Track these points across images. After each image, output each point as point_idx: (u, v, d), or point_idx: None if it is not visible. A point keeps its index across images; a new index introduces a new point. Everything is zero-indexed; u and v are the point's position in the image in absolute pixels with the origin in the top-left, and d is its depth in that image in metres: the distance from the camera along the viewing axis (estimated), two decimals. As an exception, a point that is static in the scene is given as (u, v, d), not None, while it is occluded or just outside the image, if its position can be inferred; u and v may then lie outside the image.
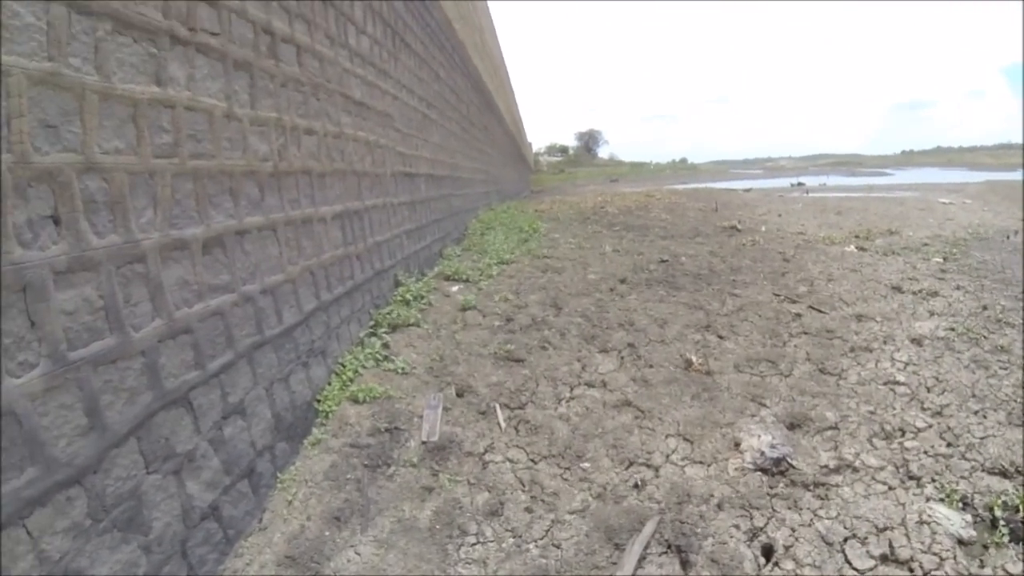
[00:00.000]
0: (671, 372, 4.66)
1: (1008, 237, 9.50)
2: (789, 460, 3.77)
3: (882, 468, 3.76)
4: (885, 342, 5.44)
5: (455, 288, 6.50)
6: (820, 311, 6.29)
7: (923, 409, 4.34)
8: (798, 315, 6.20)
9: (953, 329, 5.62)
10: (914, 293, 6.74)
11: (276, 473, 3.13)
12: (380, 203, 5.56)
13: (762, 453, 3.82)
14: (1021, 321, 5.87)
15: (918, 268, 7.87)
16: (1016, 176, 23.55)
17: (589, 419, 3.93)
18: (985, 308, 6.22)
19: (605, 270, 7.58)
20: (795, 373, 4.89)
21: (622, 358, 4.95)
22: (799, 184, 25.83)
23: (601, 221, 11.36)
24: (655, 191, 18.78)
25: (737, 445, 3.96)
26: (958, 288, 6.93)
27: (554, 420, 3.91)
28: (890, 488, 3.59)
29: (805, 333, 5.74)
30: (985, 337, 5.45)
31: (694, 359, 4.87)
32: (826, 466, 3.77)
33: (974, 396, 4.48)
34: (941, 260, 8.23)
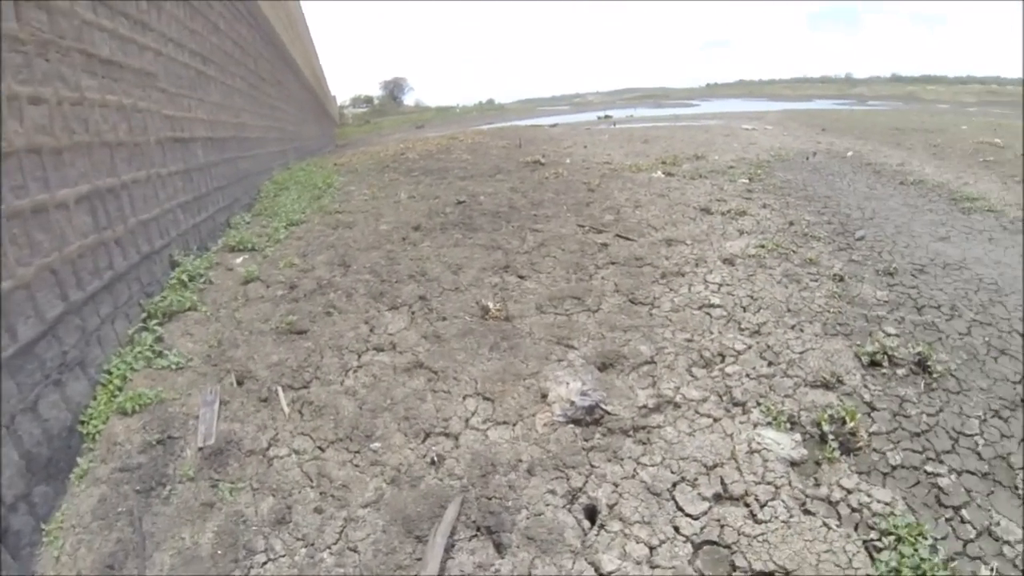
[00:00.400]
0: (466, 323, 5.44)
1: (807, 158, 12.63)
2: (603, 406, 4.24)
3: (704, 399, 4.51)
4: (697, 265, 6.62)
5: (239, 260, 7.54)
6: (628, 239, 7.36)
7: (741, 330, 5.40)
8: (605, 245, 7.18)
9: (763, 246, 7.19)
10: (723, 214, 8.42)
11: (40, 525, 3.40)
12: (143, 176, 6.24)
13: (572, 403, 4.22)
14: (827, 233, 7.90)
15: (725, 190, 9.89)
16: (810, 105, 32.50)
17: (377, 390, 4.56)
18: (792, 224, 8.11)
19: (399, 219, 8.80)
20: (604, 307, 5.66)
21: (413, 313, 5.78)
22: (606, 117, 30.84)
23: (399, 168, 12.92)
24: (459, 133, 20.72)
25: (544, 397, 4.33)
26: (765, 206, 8.92)
27: (340, 397, 4.50)
28: (715, 420, 4.32)
29: (613, 263, 6.68)
30: (794, 251, 7.11)
31: (491, 305, 5.68)
32: (645, 406, 4.35)
33: (789, 311, 5.76)
34: (747, 181, 10.52)
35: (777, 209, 8.77)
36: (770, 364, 4.93)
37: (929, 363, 4.61)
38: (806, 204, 9.08)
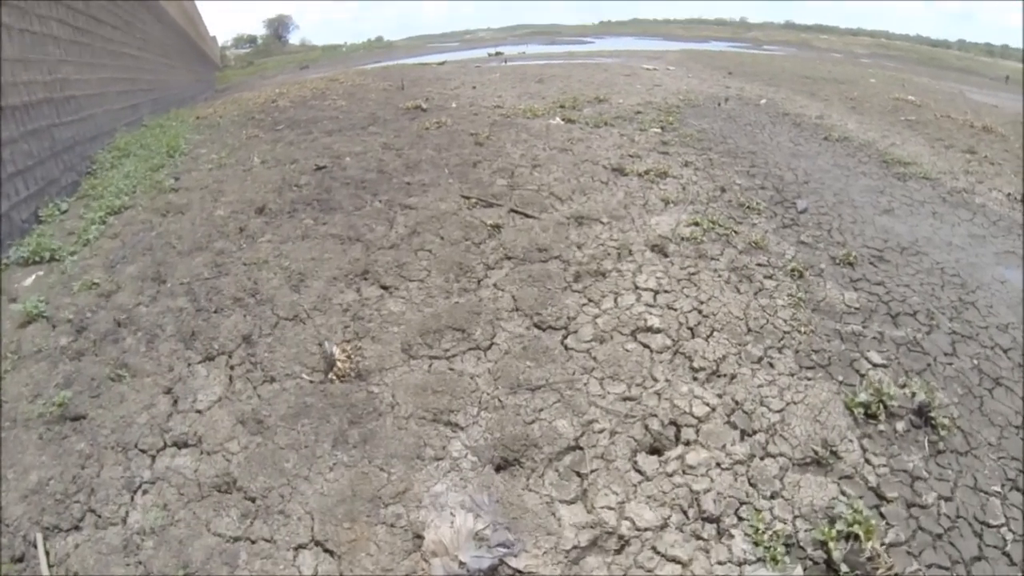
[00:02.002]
0: (302, 390, 3.87)
1: (719, 104, 11.18)
2: (510, 562, 2.45)
3: (664, 524, 2.83)
4: (620, 257, 4.85)
5: (29, 281, 5.55)
6: (527, 215, 5.46)
7: (695, 373, 3.72)
8: (496, 228, 5.29)
9: (697, 224, 5.54)
10: (640, 175, 6.71)
11: None
12: None
13: (462, 563, 2.39)
14: (764, 202, 6.40)
15: (637, 141, 8.20)
16: (707, 47, 31.69)
17: (168, 545, 2.96)
18: (723, 190, 6.53)
19: (242, 197, 6.83)
20: (499, 341, 3.88)
21: (232, 368, 4.18)
22: (497, 53, 29.28)
23: (264, 121, 10.84)
24: (341, 75, 18.72)
25: (419, 540, 2.52)
26: (687, 165, 7.30)
27: (112, 556, 2.95)
28: (684, 566, 2.69)
29: (508, 257, 4.81)
30: (735, 232, 5.51)
31: (338, 352, 3.96)
32: (576, 547, 2.61)
33: (750, 331, 4.16)
34: (659, 130, 8.87)
35: (702, 169, 7.20)
36: (744, 436, 3.36)
37: (931, 412, 3.62)
38: (732, 162, 7.58)
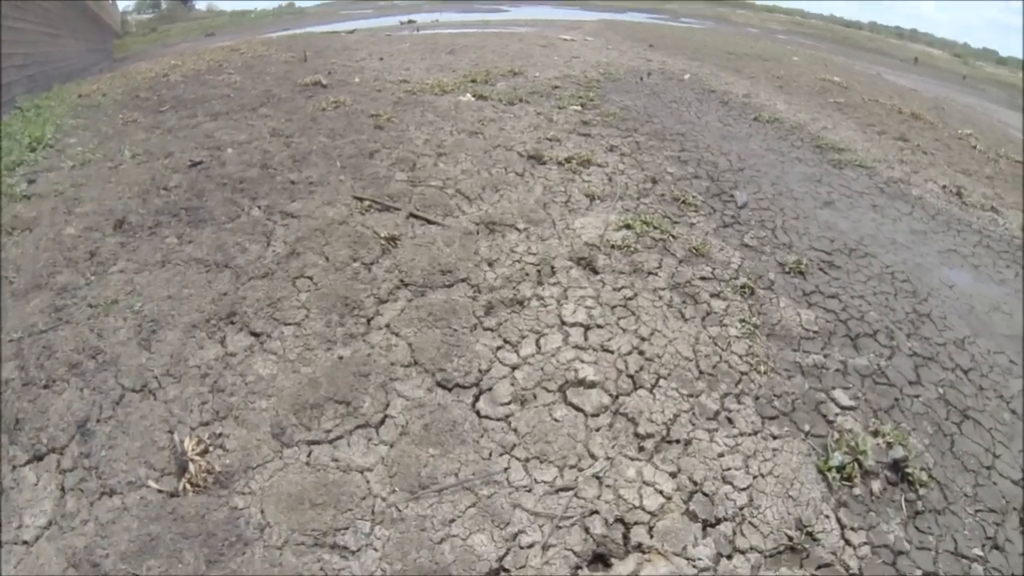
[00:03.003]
0: (147, 510, 2.76)
1: (641, 79, 10.33)
2: None
3: None
4: (541, 277, 3.88)
5: None
6: (429, 221, 4.42)
7: (641, 446, 2.90)
8: (392, 241, 4.24)
9: (629, 226, 4.67)
10: (560, 164, 5.77)
11: None
12: None
13: None
14: (700, 195, 5.62)
15: (555, 121, 7.26)
16: (625, 17, 31.00)
17: None
18: (655, 181, 5.70)
19: (102, 205, 5.41)
20: (393, 415, 2.94)
21: (63, 475, 2.96)
22: (409, 21, 27.89)
23: (150, 100, 9.24)
24: (245, 43, 16.53)
25: None
26: (612, 149, 6.43)
27: None
28: None
29: (405, 284, 3.78)
30: (672, 236, 4.68)
31: (191, 446, 2.92)
32: None
33: (702, 375, 3.35)
34: (579, 108, 7.96)
35: (628, 154, 6.37)
36: (707, 529, 2.60)
37: (908, 467, 3.20)
38: (660, 145, 6.79)
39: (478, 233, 4.35)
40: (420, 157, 5.65)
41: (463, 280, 3.86)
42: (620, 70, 10.74)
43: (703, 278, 4.29)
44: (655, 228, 4.73)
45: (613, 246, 4.37)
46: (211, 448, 2.87)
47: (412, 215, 4.53)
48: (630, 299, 3.83)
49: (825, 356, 3.84)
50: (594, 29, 19.85)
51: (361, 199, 4.79)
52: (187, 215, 4.83)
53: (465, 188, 5.00)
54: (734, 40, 21.24)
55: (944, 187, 7.48)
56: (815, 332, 4.04)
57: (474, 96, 8.00)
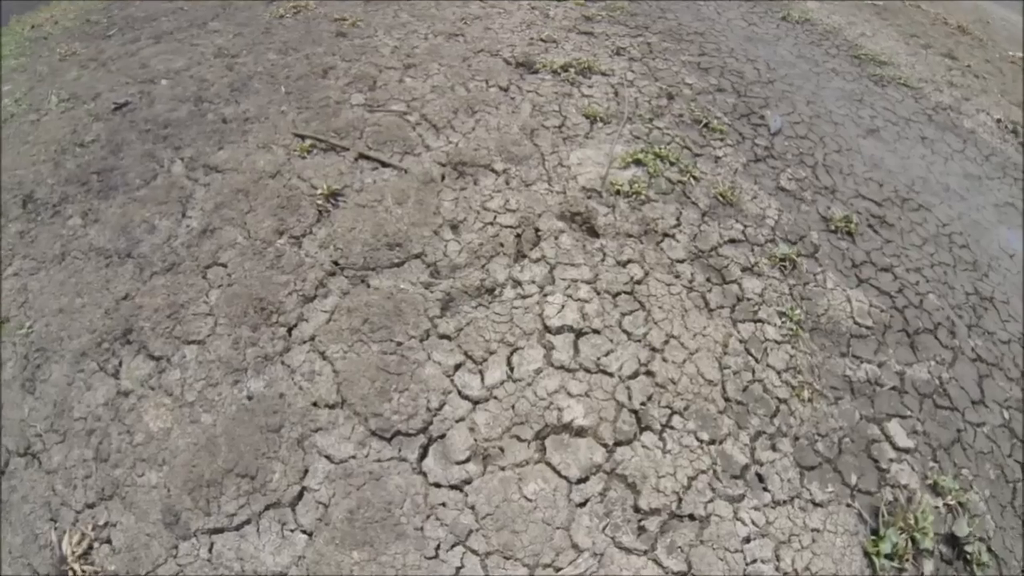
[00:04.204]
0: None
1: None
2: None
3: None
4: (520, 247, 2.70)
5: None
6: (381, 163, 3.21)
7: (641, 526, 1.88)
8: (332, 199, 3.02)
9: (640, 162, 3.45)
10: (555, 73, 4.41)
11: None
12: None
13: None
14: (726, 115, 4.34)
15: (553, 17, 5.77)
16: None
17: None
18: (671, 97, 4.37)
19: (11, 179, 4.10)
20: (312, 488, 2.07)
21: None
22: None
23: (98, 25, 7.27)
24: None
25: None
26: (618, 53, 5.03)
27: None
28: None
29: (340, 268, 2.64)
30: (694, 177, 3.48)
31: (70, 546, 2.08)
32: None
33: (728, 404, 2.32)
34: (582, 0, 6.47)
35: (639, 59, 5.02)
36: None
37: (967, 545, 2.33)
38: (676, 48, 5.41)
39: (442, 179, 3.12)
40: (383, 72, 4.26)
41: (416, 256, 2.71)
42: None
43: (732, 241, 3.15)
44: (672, 164, 3.52)
45: (618, 191, 3.18)
46: (95, 544, 1.91)
47: (361, 155, 3.28)
48: (638, 282, 2.69)
49: (880, 365, 2.85)
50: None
51: (303, 136, 3.51)
52: (98, 181, 3.58)
53: (433, 112, 3.68)
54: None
55: (999, 121, 6.15)
56: (868, 328, 3.00)
57: (458, -19, 6.43)
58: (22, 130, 4.52)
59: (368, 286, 2.59)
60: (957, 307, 3.39)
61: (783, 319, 2.84)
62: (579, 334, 2.42)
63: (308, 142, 3.48)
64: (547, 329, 2.40)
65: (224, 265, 2.78)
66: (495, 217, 2.85)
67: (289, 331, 2.44)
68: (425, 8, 5.78)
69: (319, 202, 3.01)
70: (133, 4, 7.96)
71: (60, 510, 2.13)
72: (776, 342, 2.71)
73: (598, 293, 2.59)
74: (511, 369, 2.27)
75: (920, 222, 4.00)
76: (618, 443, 2.15)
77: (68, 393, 2.37)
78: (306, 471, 2.04)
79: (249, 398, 2.21)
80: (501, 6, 5.90)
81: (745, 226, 3.28)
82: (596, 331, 2.42)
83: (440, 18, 5.48)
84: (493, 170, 3.16)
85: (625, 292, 2.64)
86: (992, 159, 5.28)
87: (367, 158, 3.29)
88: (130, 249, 2.99)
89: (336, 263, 2.67)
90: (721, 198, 3.39)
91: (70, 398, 2.35)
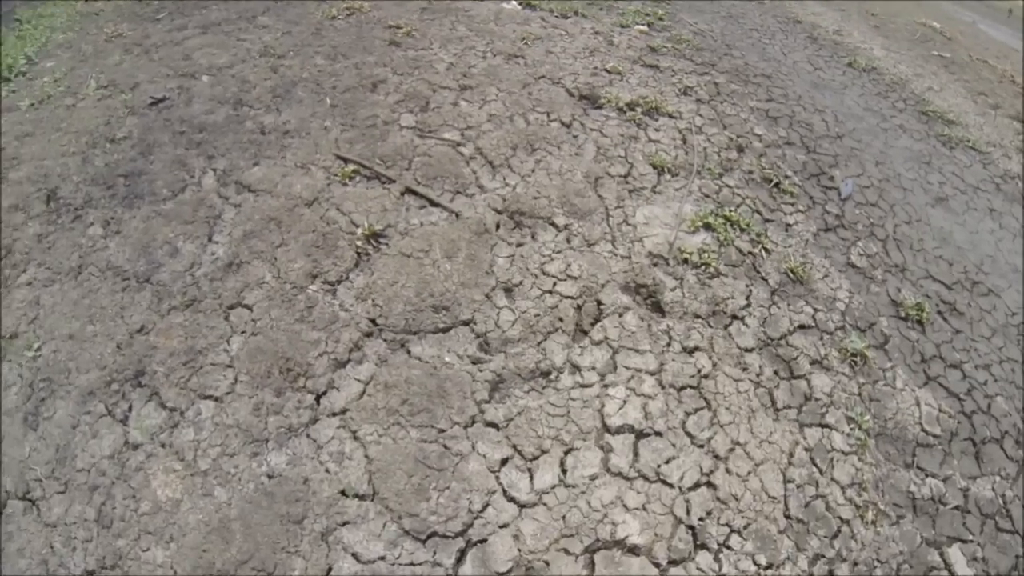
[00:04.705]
0: None
1: (716, -8, 8.31)
2: None
3: None
4: (580, 322, 2.40)
5: None
6: (431, 202, 2.91)
7: None
8: (373, 240, 2.73)
9: (710, 227, 3.13)
10: (621, 110, 4.11)
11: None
12: None
13: None
14: (795, 173, 4.00)
15: (617, 45, 5.44)
16: None
17: None
18: (741, 150, 4.04)
19: (37, 169, 3.79)
20: None
21: None
22: None
23: (151, 4, 6.94)
24: None
25: None
26: (686, 92, 4.69)
27: None
28: None
29: (378, 328, 2.38)
30: (766, 249, 3.16)
31: None
32: None
33: (790, 523, 2.02)
34: (646, 28, 6.07)
35: (706, 101, 4.72)
36: None
37: None
38: (744, 91, 5.09)
39: (497, 229, 2.82)
40: (437, 91, 3.94)
41: (465, 323, 2.42)
42: (692, -22, 8.57)
43: (803, 327, 2.84)
44: (743, 230, 3.21)
45: (686, 260, 2.87)
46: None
47: (409, 190, 2.98)
48: (705, 376, 2.39)
49: (945, 480, 2.56)
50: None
51: (345, 160, 3.21)
52: (124, 185, 3.33)
53: (489, 146, 3.37)
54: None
55: None
56: (935, 436, 2.71)
57: (521, 3, 6.09)
58: (56, 115, 4.27)
59: (409, 353, 2.30)
60: (1020, 410, 3.09)
61: (851, 425, 2.53)
62: (640, 435, 2.12)
63: (351, 167, 3.19)
64: (606, 428, 2.11)
65: (249, 308, 2.51)
66: (554, 284, 2.56)
67: (317, 399, 2.16)
68: (484, 22, 5.47)
69: (359, 243, 2.72)
70: None
71: (58, 571, 1.88)
72: (843, 453, 2.40)
73: (663, 387, 2.29)
74: (564, 472, 1.99)
75: (989, 309, 3.70)
76: (672, 562, 1.88)
77: (72, 437, 2.12)
78: (329, 570, 1.77)
79: (269, 476, 1.94)
80: (563, 27, 5.59)
81: (816, 309, 2.97)
82: (659, 433, 2.12)
83: (499, 35, 5.17)
84: (554, 224, 2.86)
85: (691, 386, 2.34)
86: (1061, 238, 4.96)
87: (415, 194, 3.00)
88: (149, 273, 2.72)
89: (374, 322, 2.38)
90: (792, 274, 3.07)
91: (74, 443, 2.10)
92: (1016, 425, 2.96)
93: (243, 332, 2.42)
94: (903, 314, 3.28)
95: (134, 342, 2.45)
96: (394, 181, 3.07)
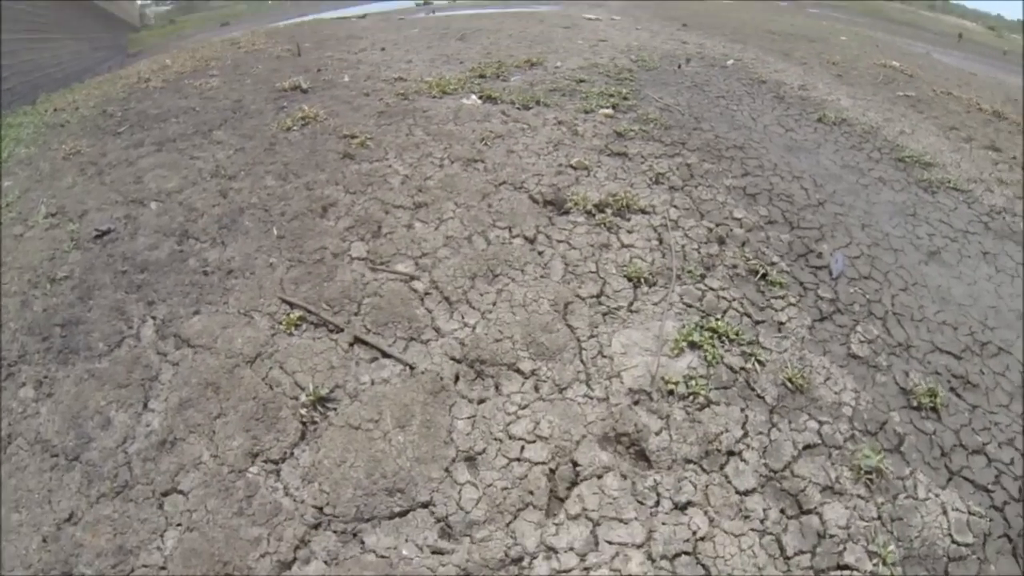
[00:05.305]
0: None
1: (680, 66, 8.17)
2: None
3: None
4: (554, 492, 2.07)
5: None
6: (383, 353, 2.64)
7: None
8: (320, 405, 2.45)
9: (696, 345, 2.80)
10: (589, 214, 3.85)
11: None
12: None
13: None
14: (781, 258, 3.71)
15: (581, 134, 5.28)
16: None
17: None
18: (722, 242, 3.77)
19: None
20: None
21: None
22: (425, 3, 25.27)
23: (113, 118, 7.09)
24: (247, 36, 14.12)
25: None
26: (657, 181, 4.46)
27: None
28: None
29: (327, 518, 2.05)
30: (759, 362, 2.82)
31: None
32: None
33: None
34: (611, 111, 5.94)
35: (680, 187, 4.52)
36: None
37: None
38: (718, 170, 4.89)
39: (456, 381, 2.53)
40: (390, 212, 3.73)
41: (423, 505, 2.10)
42: (654, 55, 8.53)
43: (808, 448, 2.51)
44: (731, 341, 2.90)
45: (671, 391, 2.55)
46: None
47: (358, 340, 2.71)
48: (702, 538, 2.03)
49: None
50: (620, 7, 17.17)
51: (291, 304, 2.97)
52: (61, 336, 3.11)
53: (446, 277, 3.11)
54: (771, 16, 18.30)
55: None
56: (968, 545, 2.37)
57: (481, 98, 6.00)
58: (4, 247, 4.08)
59: (363, 546, 1.99)
60: None
61: (874, 561, 2.16)
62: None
63: (297, 313, 2.94)
64: (593, 644, 1.75)
65: (185, 494, 2.22)
66: (523, 449, 2.25)
67: None
68: (443, 123, 5.34)
69: (303, 411, 2.44)
70: (151, 98, 7.78)
71: None
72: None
73: (653, 560, 1.95)
74: None
75: (1002, 371, 3.42)
76: None
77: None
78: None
79: None
80: (525, 120, 5.45)
81: (820, 422, 2.63)
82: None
83: (458, 137, 5.01)
84: (519, 371, 2.57)
85: (686, 552, 2.00)
86: (1060, 270, 4.74)
87: (365, 343, 2.72)
88: (79, 450, 2.46)
89: (321, 510, 2.07)
90: (790, 384, 2.75)
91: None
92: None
93: (178, 525, 2.12)
94: (915, 403, 2.95)
95: (61, 535, 2.16)
96: (342, 330, 2.81)
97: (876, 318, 3.50)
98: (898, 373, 3.14)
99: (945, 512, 2.46)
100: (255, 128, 5.69)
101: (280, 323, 2.91)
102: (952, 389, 3.18)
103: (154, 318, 3.08)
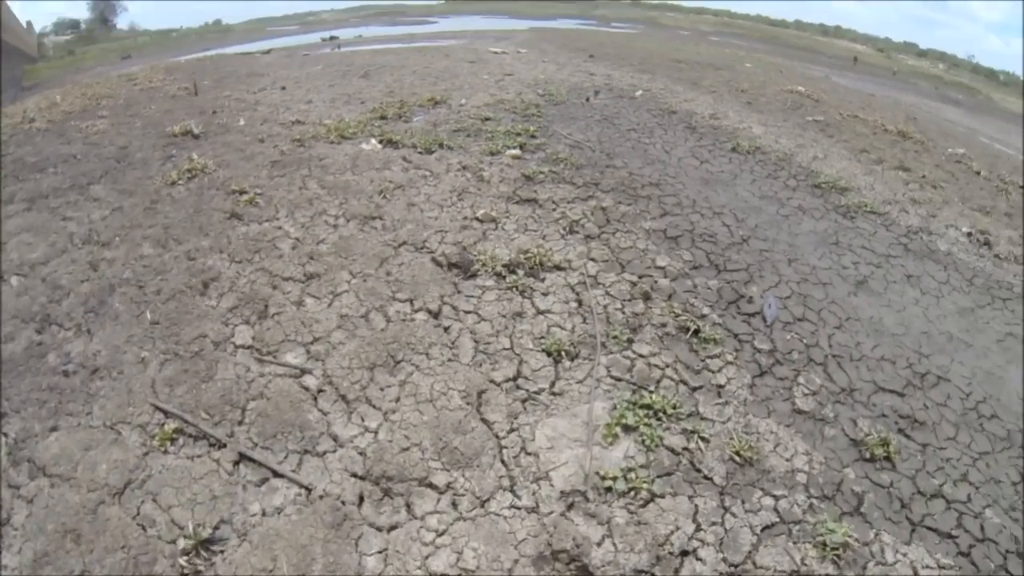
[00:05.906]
0: None
1: (588, 99, 8.17)
2: None
3: None
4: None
5: None
6: (274, 473, 2.20)
7: None
8: (208, 550, 2.06)
9: (630, 428, 2.60)
10: (499, 276, 3.53)
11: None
12: None
13: None
14: (716, 312, 3.58)
15: (488, 180, 5.06)
16: (556, 24, 28.67)
17: None
18: (647, 298, 3.60)
19: None
20: None
21: None
22: (331, 38, 25.78)
23: None
24: (144, 72, 13.20)
25: None
26: (571, 231, 4.23)
27: None
28: None
29: None
30: (702, 438, 2.61)
31: None
32: None
33: None
34: (518, 152, 5.80)
35: (597, 236, 4.37)
36: None
37: None
38: (635, 212, 4.79)
39: (361, 503, 2.17)
40: (280, 284, 3.36)
41: None
42: (561, 88, 8.56)
43: (767, 529, 2.31)
44: (669, 416, 2.69)
45: (610, 488, 2.30)
46: None
47: (244, 457, 2.32)
48: None
49: None
50: (526, 39, 17.55)
51: (165, 412, 2.55)
52: None
53: (341, 369, 2.75)
54: (675, 46, 19.18)
55: (969, 235, 5.78)
56: None
57: (381, 142, 5.72)
58: None
59: None
60: (1011, 510, 2.84)
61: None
62: None
63: (172, 424, 2.52)
64: None
65: None
66: (441, 594, 1.92)
67: None
68: (339, 173, 5.02)
69: (183, 561, 2.03)
70: (32, 142, 7.11)
71: None
72: None
73: None
74: None
75: (943, 401, 3.46)
76: None
77: None
78: None
79: None
80: (427, 167, 5.21)
81: (776, 497, 2.46)
82: None
83: (355, 189, 4.70)
84: (432, 485, 2.23)
85: None
86: (976, 282, 5.01)
87: (252, 461, 2.34)
88: None
89: None
90: (738, 458, 2.56)
91: None
92: (1013, 535, 2.68)
93: None
94: (868, 454, 2.87)
95: None
96: (225, 444, 2.42)
97: (816, 364, 3.41)
98: (846, 423, 3.04)
99: (916, 572, 2.36)
100: (137, 182, 5.18)
101: (153, 437, 2.47)
102: (900, 430, 3.14)
103: (5, 435, 2.57)
